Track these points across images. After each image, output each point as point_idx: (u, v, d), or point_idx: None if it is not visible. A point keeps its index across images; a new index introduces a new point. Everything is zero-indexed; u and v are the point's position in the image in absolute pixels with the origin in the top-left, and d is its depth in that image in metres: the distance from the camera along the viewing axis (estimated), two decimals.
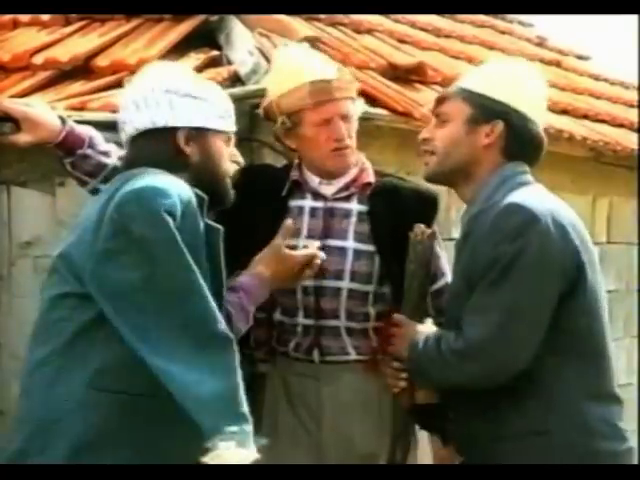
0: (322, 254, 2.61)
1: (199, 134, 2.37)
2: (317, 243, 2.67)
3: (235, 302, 2.41)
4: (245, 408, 2.15)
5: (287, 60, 2.89)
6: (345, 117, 2.80)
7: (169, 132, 2.35)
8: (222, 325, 2.17)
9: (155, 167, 2.30)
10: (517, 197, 2.47)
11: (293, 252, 2.59)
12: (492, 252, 2.41)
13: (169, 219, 2.15)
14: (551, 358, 2.44)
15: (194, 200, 2.24)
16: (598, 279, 2.52)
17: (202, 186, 2.34)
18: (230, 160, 2.46)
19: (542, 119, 2.65)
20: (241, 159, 2.52)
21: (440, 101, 2.64)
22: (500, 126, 2.55)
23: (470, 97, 2.58)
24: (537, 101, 2.64)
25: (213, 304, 2.18)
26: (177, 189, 2.20)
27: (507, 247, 2.39)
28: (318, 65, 2.83)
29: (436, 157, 2.60)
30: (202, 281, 2.17)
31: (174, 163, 2.34)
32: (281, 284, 2.60)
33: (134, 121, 2.37)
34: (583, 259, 2.45)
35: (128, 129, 2.39)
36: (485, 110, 2.56)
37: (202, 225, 2.26)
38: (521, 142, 2.58)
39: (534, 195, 2.51)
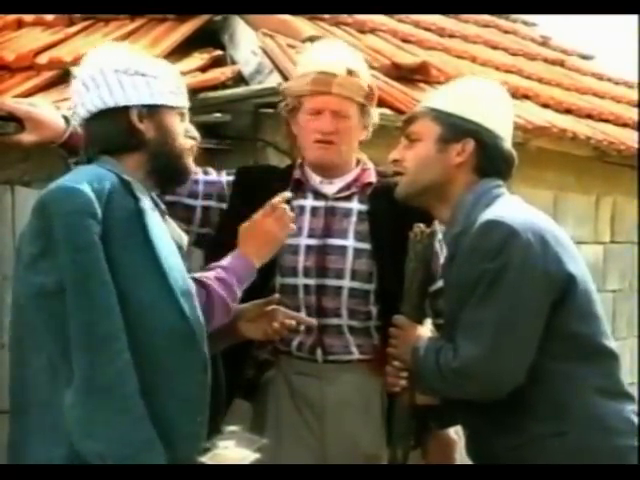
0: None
1: (152, 111, 2.36)
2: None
3: (215, 277, 2.40)
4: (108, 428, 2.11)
5: (315, 49, 3.03)
6: (337, 113, 2.80)
7: (121, 111, 2.34)
8: (123, 343, 2.14)
9: (111, 148, 2.32)
10: (494, 213, 2.46)
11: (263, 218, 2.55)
12: (476, 270, 2.41)
13: (84, 220, 2.15)
14: (557, 363, 2.44)
15: (118, 186, 2.23)
16: (589, 282, 2.51)
17: (159, 163, 2.36)
18: (185, 135, 2.45)
19: (510, 136, 2.64)
20: (196, 133, 2.51)
21: (409, 121, 2.63)
22: (471, 144, 2.55)
23: (439, 116, 2.57)
24: (505, 119, 2.64)
25: (118, 319, 2.15)
26: (91, 184, 2.19)
27: (490, 264, 2.39)
28: (334, 60, 2.84)
29: (406, 177, 2.59)
30: (110, 291, 2.14)
31: (129, 142, 2.34)
32: (264, 256, 2.54)
33: (85, 103, 2.36)
34: (570, 268, 2.44)
35: (81, 112, 2.38)
36: (455, 129, 2.55)
37: (135, 206, 2.24)
38: (492, 159, 2.57)
39: (511, 208, 2.51)
